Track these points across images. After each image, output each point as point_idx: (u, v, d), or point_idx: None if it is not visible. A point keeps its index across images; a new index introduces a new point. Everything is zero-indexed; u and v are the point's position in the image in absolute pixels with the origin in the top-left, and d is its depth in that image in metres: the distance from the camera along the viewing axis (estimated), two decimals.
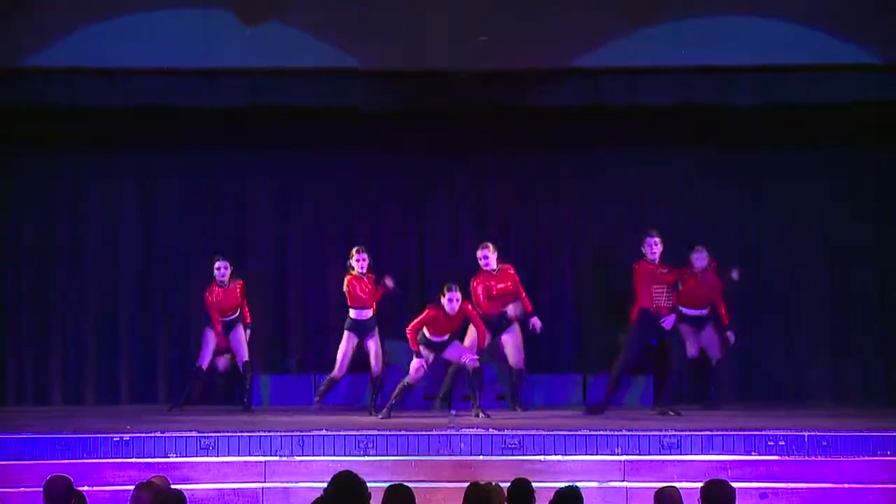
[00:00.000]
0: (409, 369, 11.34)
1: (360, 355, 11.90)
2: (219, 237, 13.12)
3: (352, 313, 11.79)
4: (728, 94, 12.18)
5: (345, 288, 11.76)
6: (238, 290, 12.36)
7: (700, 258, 12.07)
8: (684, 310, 12.07)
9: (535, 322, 11.84)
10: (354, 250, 11.80)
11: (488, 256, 11.77)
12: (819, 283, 13.31)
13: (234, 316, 12.34)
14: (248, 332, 12.40)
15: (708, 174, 13.34)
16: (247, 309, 12.45)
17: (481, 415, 11.08)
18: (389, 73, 12.21)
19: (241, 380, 12.38)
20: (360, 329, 11.76)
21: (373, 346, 11.76)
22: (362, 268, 11.74)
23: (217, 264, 12.24)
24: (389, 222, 13.48)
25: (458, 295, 11.22)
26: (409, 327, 11.27)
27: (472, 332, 11.60)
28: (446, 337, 11.31)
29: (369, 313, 11.79)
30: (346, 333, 11.78)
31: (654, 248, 11.49)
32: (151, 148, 13.29)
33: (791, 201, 13.34)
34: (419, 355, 11.21)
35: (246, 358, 12.29)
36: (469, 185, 13.52)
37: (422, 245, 13.36)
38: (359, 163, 13.45)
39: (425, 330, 11.25)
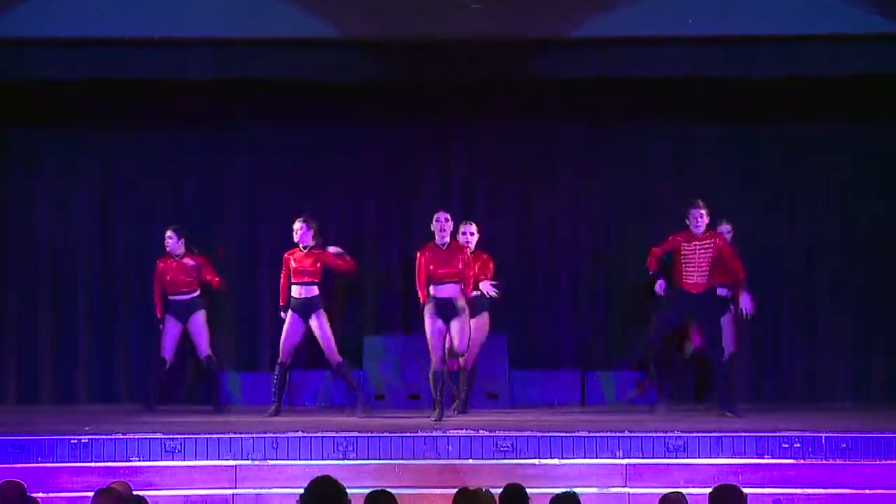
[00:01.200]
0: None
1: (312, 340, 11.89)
2: (184, 221, 13.12)
3: (294, 291, 11.78)
4: (743, 66, 12.22)
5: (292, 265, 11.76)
6: (194, 263, 12.32)
7: (725, 231, 12.14)
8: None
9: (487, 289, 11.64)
10: (296, 221, 11.81)
11: (475, 234, 11.75)
12: (841, 269, 13.37)
13: (187, 295, 12.29)
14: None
15: (721, 151, 13.42)
16: (217, 284, 12.40)
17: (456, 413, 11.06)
18: (372, 42, 12.22)
19: (206, 376, 12.41)
20: (304, 309, 11.73)
21: (316, 327, 11.71)
22: (303, 240, 11.73)
23: (168, 233, 12.27)
24: (373, 204, 13.53)
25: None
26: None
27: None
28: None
29: (315, 290, 11.77)
30: (288, 314, 11.76)
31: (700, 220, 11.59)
32: (110, 125, 13.31)
33: (811, 181, 13.40)
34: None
35: (207, 351, 12.30)
36: (461, 165, 13.59)
37: (407, 230, 13.36)
38: (339, 141, 13.50)
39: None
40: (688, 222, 11.56)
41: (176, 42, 12.10)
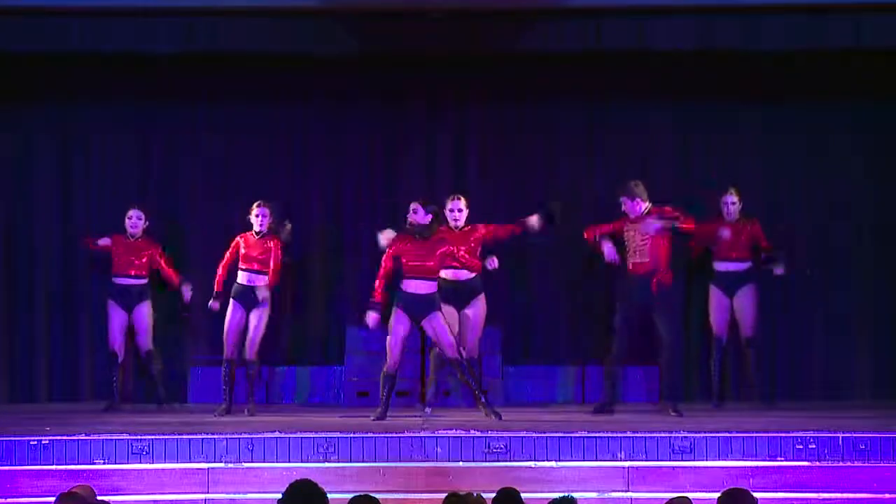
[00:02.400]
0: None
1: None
2: (150, 203, 13.16)
3: (240, 277, 11.84)
4: (756, 39, 12.23)
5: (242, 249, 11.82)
6: (150, 249, 12.39)
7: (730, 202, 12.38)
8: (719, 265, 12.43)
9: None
10: (255, 205, 11.87)
11: (462, 210, 11.85)
12: (861, 259, 13.44)
13: (134, 281, 12.35)
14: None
15: (729, 132, 13.46)
16: (172, 277, 12.45)
17: (493, 415, 11.08)
18: (353, 12, 12.25)
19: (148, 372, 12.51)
20: (247, 298, 11.78)
21: (254, 318, 11.74)
22: (262, 225, 11.79)
23: (130, 212, 12.35)
24: (355, 187, 13.57)
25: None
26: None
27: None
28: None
29: (262, 280, 11.80)
30: (231, 302, 11.82)
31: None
32: (70, 100, 13.36)
33: (828, 161, 13.45)
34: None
35: (149, 346, 12.35)
36: (449, 145, 13.62)
37: (392, 213, 13.34)
38: (317, 119, 13.56)
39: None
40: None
41: (142, 11, 12.09)
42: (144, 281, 12.44)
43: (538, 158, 13.59)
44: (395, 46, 12.48)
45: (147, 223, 12.45)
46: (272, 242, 11.84)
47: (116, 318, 12.40)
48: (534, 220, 11.81)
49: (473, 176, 13.57)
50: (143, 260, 12.42)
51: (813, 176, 13.43)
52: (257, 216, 11.84)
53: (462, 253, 11.39)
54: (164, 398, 12.40)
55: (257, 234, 11.85)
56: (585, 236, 11.94)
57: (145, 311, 12.43)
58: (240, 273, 11.83)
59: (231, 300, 11.82)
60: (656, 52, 12.44)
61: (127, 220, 12.41)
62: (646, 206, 11.74)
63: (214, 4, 12.12)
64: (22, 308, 13.28)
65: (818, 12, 12.08)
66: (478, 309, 11.72)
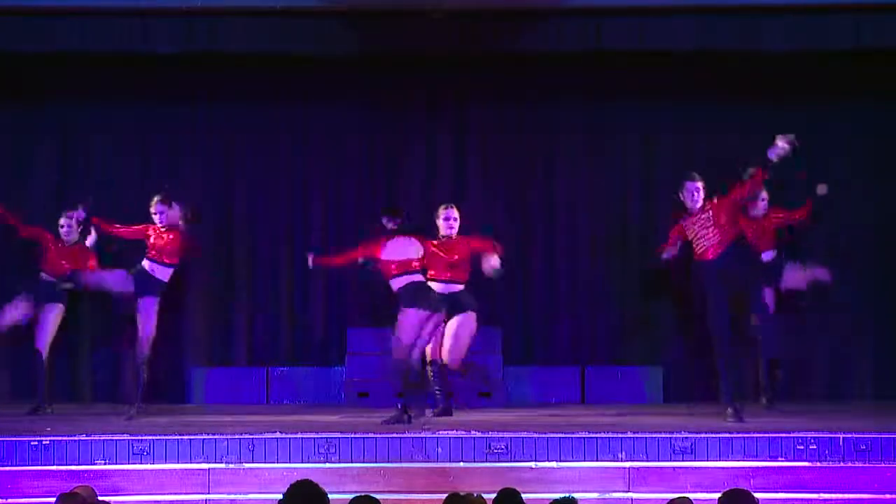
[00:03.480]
0: None
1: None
2: (148, 202, 13.18)
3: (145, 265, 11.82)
4: (755, 39, 12.23)
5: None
6: (83, 255, 12.28)
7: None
8: None
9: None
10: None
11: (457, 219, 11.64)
12: (862, 258, 13.44)
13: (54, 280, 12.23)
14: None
15: (730, 132, 13.43)
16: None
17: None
18: (353, 12, 12.26)
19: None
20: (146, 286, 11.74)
21: (144, 309, 11.68)
22: (161, 222, 11.80)
23: (61, 221, 12.26)
24: (355, 187, 13.59)
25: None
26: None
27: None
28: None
29: (169, 273, 11.76)
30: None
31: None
32: (70, 100, 13.39)
33: (830, 163, 13.40)
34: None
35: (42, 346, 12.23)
36: (449, 144, 13.65)
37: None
38: (317, 120, 13.59)
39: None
40: (682, 198, 11.36)
41: (141, 12, 12.10)
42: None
43: (538, 158, 13.61)
44: (395, 46, 12.48)
45: (81, 227, 12.30)
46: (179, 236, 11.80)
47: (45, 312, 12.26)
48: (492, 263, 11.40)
49: (473, 176, 13.60)
50: (73, 266, 12.22)
51: (813, 175, 13.41)
52: (156, 213, 11.79)
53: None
54: (41, 403, 12.15)
55: (162, 227, 11.79)
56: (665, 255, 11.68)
57: (55, 314, 12.24)
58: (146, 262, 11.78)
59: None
60: (656, 52, 12.45)
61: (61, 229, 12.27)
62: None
63: (214, 4, 12.12)
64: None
65: (818, 13, 12.08)
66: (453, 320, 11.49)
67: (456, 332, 11.41)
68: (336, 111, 13.53)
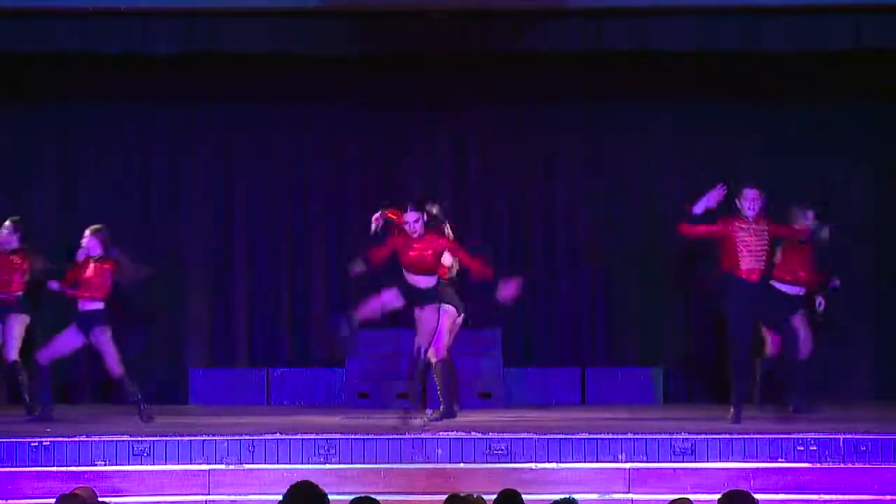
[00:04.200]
0: None
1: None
2: (150, 204, 13.20)
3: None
4: (756, 40, 12.22)
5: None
6: (17, 260, 12.02)
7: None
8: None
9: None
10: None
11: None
12: (862, 261, 13.43)
13: (5, 294, 12.01)
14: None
15: (732, 133, 13.47)
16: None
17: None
18: (353, 12, 12.26)
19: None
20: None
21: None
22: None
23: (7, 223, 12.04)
24: (356, 188, 13.62)
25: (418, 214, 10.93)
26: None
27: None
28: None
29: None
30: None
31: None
32: (71, 101, 13.41)
33: (830, 164, 13.44)
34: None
35: (14, 356, 11.96)
36: (449, 144, 13.68)
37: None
38: (317, 120, 13.62)
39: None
40: (739, 204, 11.05)
41: (141, 13, 12.11)
42: (9, 293, 11.98)
43: (538, 158, 13.63)
44: (395, 47, 12.50)
45: (19, 233, 12.03)
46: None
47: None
48: (510, 290, 11.16)
49: (474, 176, 13.63)
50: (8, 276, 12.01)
51: (813, 176, 13.44)
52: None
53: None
54: (32, 407, 11.93)
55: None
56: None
57: (16, 321, 11.99)
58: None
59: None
60: (656, 53, 12.45)
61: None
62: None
63: (214, 5, 12.14)
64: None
65: (818, 13, 12.07)
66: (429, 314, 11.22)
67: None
68: (336, 111, 13.56)
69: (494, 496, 6.87)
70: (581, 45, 12.35)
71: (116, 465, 9.73)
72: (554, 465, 9.76)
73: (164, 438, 9.87)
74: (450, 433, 10.00)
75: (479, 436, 9.94)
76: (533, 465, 9.75)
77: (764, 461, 9.78)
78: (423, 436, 9.97)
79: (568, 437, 9.92)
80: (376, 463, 9.77)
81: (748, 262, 10.92)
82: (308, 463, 9.75)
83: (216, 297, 13.45)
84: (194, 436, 9.94)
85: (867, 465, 9.73)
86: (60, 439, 9.86)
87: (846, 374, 13.35)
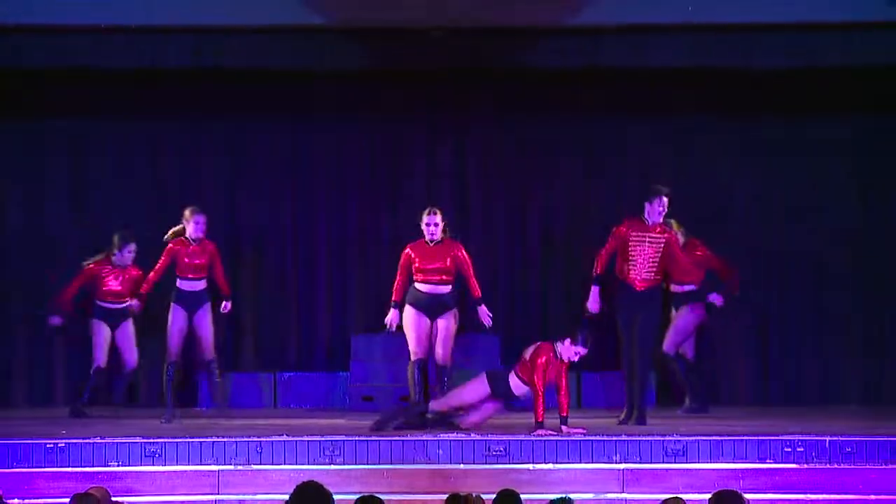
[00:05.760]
0: None
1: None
2: (161, 217, 13.28)
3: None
4: (750, 57, 12.33)
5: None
6: (134, 273, 12.49)
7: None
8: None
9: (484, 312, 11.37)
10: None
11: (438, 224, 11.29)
12: (850, 270, 13.53)
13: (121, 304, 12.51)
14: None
15: (725, 147, 13.57)
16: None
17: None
18: (356, 29, 12.37)
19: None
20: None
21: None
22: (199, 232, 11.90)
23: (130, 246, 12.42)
24: (358, 198, 13.72)
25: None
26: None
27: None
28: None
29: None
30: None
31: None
32: (82, 116, 13.48)
33: (819, 178, 13.54)
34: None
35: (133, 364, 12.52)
36: (450, 159, 13.76)
37: (395, 228, 13.47)
38: (323, 133, 13.70)
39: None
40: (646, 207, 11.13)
41: (152, 30, 12.21)
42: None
43: (538, 173, 13.70)
44: (398, 63, 12.58)
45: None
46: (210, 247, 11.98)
47: (103, 332, 12.52)
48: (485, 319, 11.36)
49: (474, 190, 13.71)
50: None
51: (801, 189, 13.51)
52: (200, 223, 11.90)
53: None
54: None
55: (194, 240, 11.90)
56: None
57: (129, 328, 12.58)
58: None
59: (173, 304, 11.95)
60: (654, 70, 12.55)
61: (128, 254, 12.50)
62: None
63: (221, 23, 12.23)
64: (39, 318, 13.33)
65: (811, 30, 12.17)
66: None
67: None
68: (339, 126, 13.63)
69: (493, 496, 7.00)
70: (580, 62, 12.45)
71: (129, 465, 9.80)
72: (550, 465, 9.84)
73: (175, 440, 9.94)
74: (450, 435, 10.08)
75: (479, 437, 10.02)
76: (530, 466, 9.83)
77: (753, 462, 9.86)
78: (424, 437, 10.04)
79: (564, 438, 10.01)
80: (379, 463, 9.83)
81: (641, 277, 11.10)
82: (314, 464, 9.82)
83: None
84: (205, 437, 10.00)
85: (852, 466, 9.81)
86: (75, 441, 9.92)
87: (837, 379, 13.41)
